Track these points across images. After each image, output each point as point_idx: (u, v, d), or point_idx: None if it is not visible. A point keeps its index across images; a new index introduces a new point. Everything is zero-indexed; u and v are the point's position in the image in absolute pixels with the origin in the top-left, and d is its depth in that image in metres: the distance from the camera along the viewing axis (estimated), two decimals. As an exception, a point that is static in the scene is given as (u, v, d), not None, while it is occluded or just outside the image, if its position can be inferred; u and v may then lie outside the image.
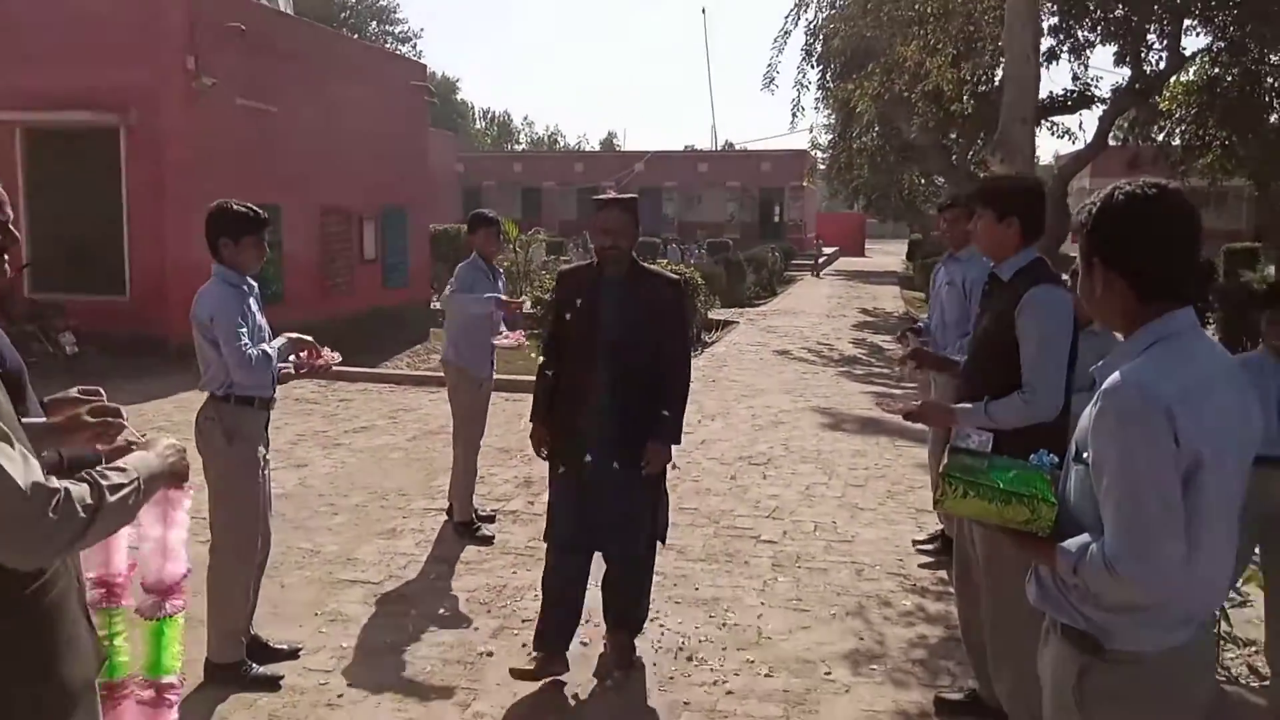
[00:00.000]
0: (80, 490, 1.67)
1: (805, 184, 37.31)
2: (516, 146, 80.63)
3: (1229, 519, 1.85)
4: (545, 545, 4.15)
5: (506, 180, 45.28)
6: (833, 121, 28.40)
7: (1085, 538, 1.87)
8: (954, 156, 18.79)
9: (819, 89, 22.13)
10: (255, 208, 3.99)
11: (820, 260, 36.60)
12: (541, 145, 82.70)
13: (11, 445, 1.62)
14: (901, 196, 28.39)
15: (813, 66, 20.09)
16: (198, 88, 11.94)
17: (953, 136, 17.62)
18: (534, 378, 4.28)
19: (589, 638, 4.32)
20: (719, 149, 55.90)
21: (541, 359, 4.20)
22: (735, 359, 13.96)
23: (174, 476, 2.04)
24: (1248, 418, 1.89)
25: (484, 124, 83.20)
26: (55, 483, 1.64)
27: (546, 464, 4.12)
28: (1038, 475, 2.06)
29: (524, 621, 4.49)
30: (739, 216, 44.55)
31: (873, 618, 4.66)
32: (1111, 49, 15.37)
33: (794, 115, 40.15)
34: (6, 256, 1.96)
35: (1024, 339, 3.18)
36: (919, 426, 8.95)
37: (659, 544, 4.21)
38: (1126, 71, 14.95)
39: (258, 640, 4.08)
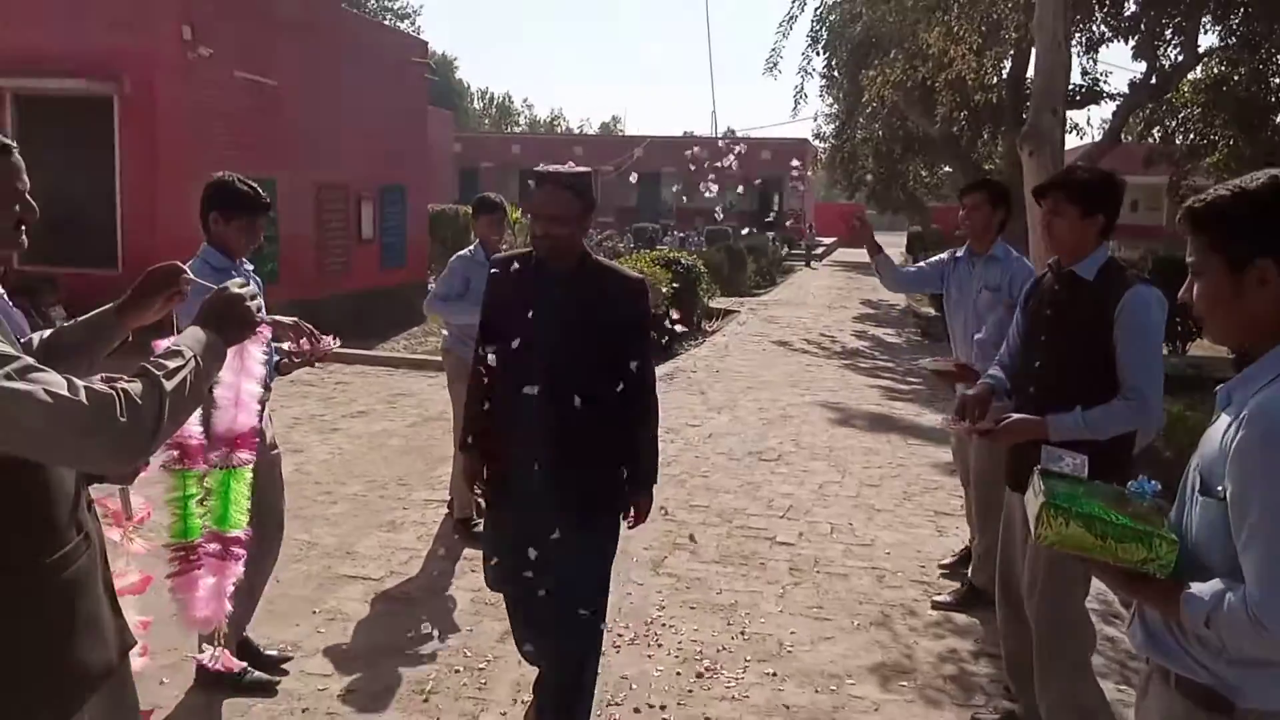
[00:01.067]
0: (136, 387, 1.60)
1: (809, 173, 37.03)
2: (515, 129, 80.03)
3: None
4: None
5: (505, 162, 44.77)
6: (835, 110, 28.12)
7: (1218, 584, 1.63)
8: (963, 144, 18.51)
9: (824, 77, 21.86)
10: (258, 188, 3.67)
11: (819, 251, 36.37)
12: (542, 128, 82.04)
13: (44, 371, 1.54)
14: (904, 189, 28.10)
15: (819, 54, 19.79)
16: (194, 58, 11.61)
17: (957, 129, 17.35)
18: None
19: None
20: (719, 136, 55.49)
21: (481, 367, 3.17)
22: (738, 349, 13.74)
23: (240, 330, 1.92)
24: None
25: (482, 105, 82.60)
26: (107, 387, 1.56)
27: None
28: (1145, 507, 1.83)
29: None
30: (738, 205, 44.25)
31: (898, 629, 4.45)
32: (1124, 43, 15.11)
33: (796, 103, 39.78)
34: (25, 227, 1.89)
35: (1127, 341, 2.94)
36: (931, 424, 8.80)
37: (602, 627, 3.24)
38: (1142, 66, 14.70)
39: (249, 644, 3.82)
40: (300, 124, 13.40)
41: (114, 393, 1.55)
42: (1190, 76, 17.16)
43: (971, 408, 3.11)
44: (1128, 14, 14.73)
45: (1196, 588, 1.65)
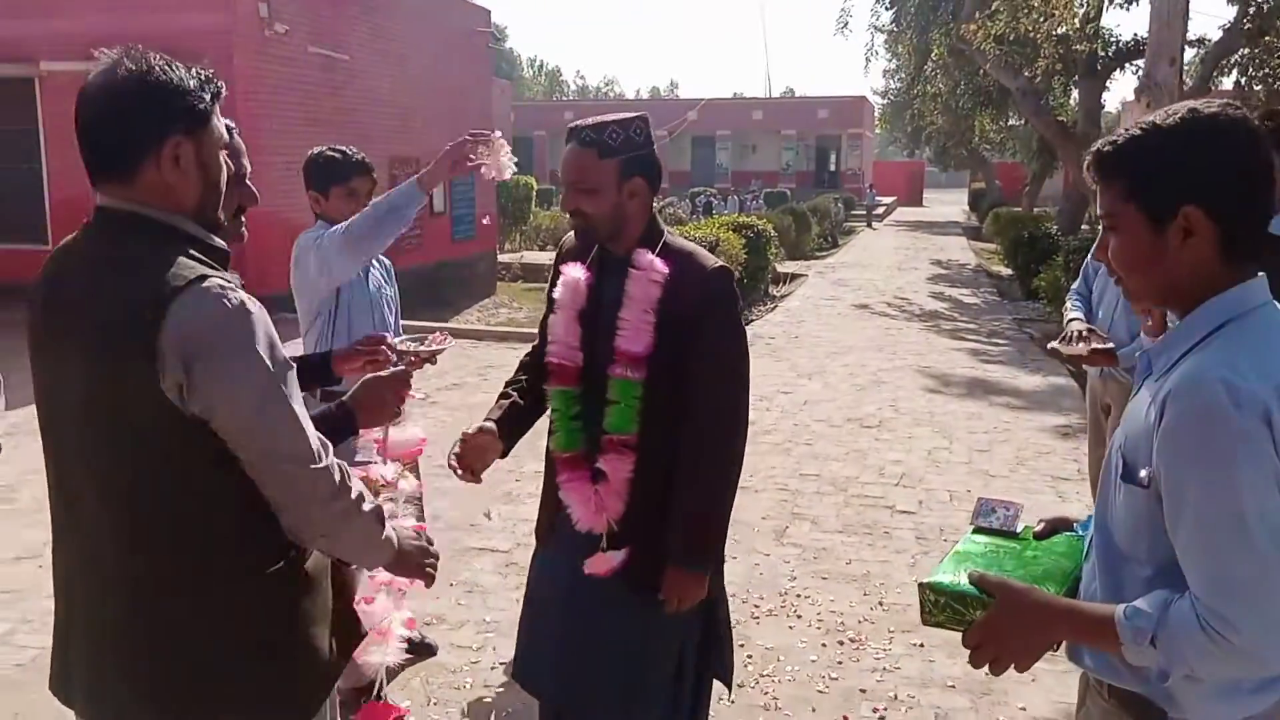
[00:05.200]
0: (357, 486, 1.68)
1: (876, 131, 36.42)
2: (564, 98, 79.72)
3: None
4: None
5: (557, 129, 44.59)
6: (894, 66, 27.55)
7: (1157, 596, 1.37)
8: (1047, 97, 17.98)
9: (889, 33, 21.40)
10: (347, 150, 3.42)
11: (880, 210, 35.86)
12: (591, 95, 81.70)
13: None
14: (969, 145, 27.53)
15: (887, 9, 19.37)
16: (270, 34, 11.68)
17: (1040, 82, 16.85)
18: None
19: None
20: (773, 96, 54.79)
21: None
22: (813, 314, 13.61)
23: (408, 570, 1.88)
24: None
25: (532, 74, 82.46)
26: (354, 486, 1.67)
27: None
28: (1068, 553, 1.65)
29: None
30: (794, 165, 43.74)
31: (1039, 598, 4.37)
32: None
33: (867, 60, 39.03)
34: (244, 216, 1.85)
35: None
36: (1031, 387, 8.62)
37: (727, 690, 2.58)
38: (1231, 11, 14.12)
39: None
40: (372, 98, 13.47)
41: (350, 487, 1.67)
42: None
43: None
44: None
45: (1130, 606, 1.37)
